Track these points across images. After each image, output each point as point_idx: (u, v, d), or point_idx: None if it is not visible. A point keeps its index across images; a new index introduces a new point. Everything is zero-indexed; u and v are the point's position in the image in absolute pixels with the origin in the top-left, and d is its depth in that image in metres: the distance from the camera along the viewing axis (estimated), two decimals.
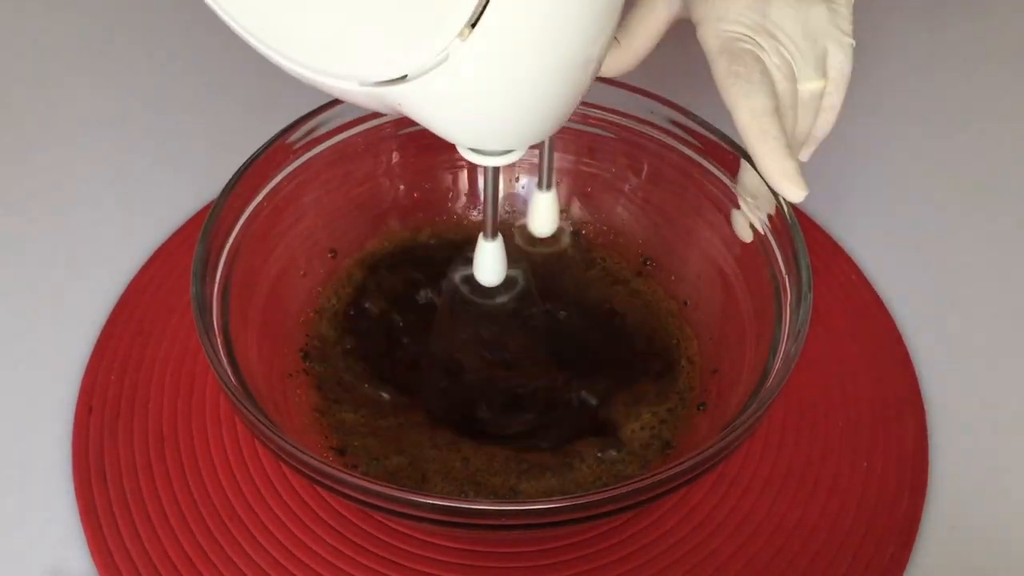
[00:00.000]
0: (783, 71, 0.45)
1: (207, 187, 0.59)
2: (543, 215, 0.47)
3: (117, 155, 0.64)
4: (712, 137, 0.49)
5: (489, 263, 0.44)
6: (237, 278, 0.47)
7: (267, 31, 0.33)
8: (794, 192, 0.43)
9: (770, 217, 0.47)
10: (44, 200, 0.61)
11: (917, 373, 0.53)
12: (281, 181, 0.49)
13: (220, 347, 0.42)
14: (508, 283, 0.46)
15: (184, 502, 0.47)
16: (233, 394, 0.40)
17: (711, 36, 0.46)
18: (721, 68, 0.45)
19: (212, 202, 0.46)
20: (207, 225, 0.45)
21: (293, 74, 0.34)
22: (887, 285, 0.57)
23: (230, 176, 0.47)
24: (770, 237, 0.47)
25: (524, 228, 0.49)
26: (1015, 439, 0.51)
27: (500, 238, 0.44)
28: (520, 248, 0.53)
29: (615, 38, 0.48)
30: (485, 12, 0.29)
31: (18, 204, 0.61)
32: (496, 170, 0.40)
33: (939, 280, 0.58)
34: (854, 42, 0.47)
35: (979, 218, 0.62)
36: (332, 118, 0.50)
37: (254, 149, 0.48)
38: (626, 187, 0.54)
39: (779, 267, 0.46)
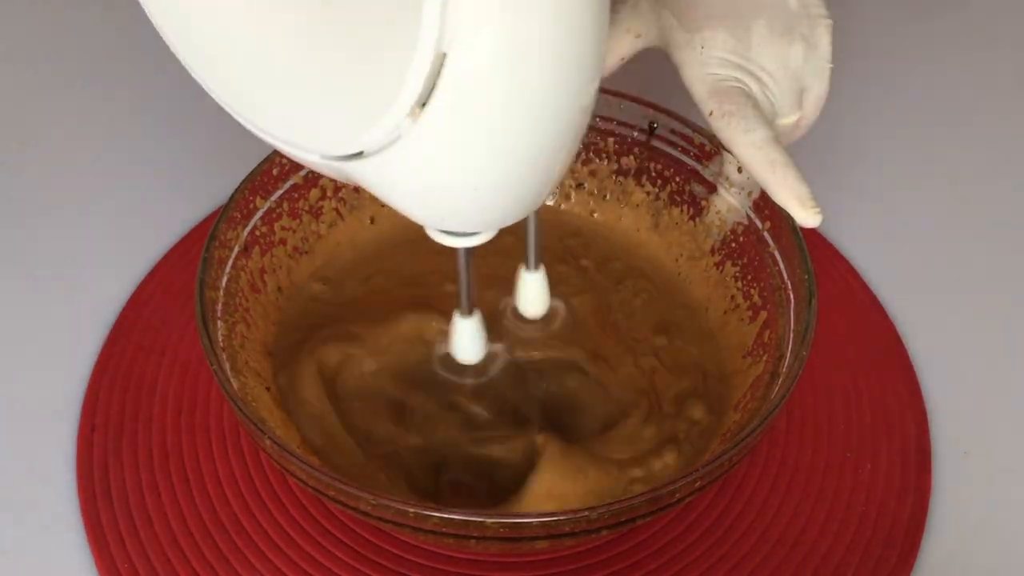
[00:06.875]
0: (767, 110, 0.45)
1: (207, 199, 0.59)
2: (532, 296, 0.45)
3: (116, 168, 0.63)
4: (707, 142, 0.50)
5: (467, 342, 0.44)
6: (240, 292, 0.47)
7: (236, 98, 0.34)
8: (811, 218, 0.43)
9: (773, 226, 0.47)
10: (41, 216, 0.60)
11: (917, 375, 0.53)
12: (282, 194, 0.49)
13: (226, 364, 0.42)
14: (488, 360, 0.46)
15: (191, 519, 0.47)
16: (242, 411, 0.40)
17: (697, 81, 0.46)
18: (713, 110, 0.45)
19: (213, 213, 0.46)
20: (210, 240, 0.45)
21: (263, 139, 0.34)
22: (885, 287, 0.57)
23: (231, 188, 0.47)
24: (772, 244, 0.47)
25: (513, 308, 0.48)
26: (1018, 438, 0.51)
27: (477, 314, 0.43)
28: (509, 330, 0.50)
29: None
30: (434, 92, 0.28)
31: (15, 221, 0.60)
32: (467, 250, 0.39)
33: (937, 281, 0.58)
34: (832, 65, 0.46)
35: (976, 217, 0.62)
36: None
37: (255, 162, 0.48)
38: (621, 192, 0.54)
39: (782, 276, 0.46)
